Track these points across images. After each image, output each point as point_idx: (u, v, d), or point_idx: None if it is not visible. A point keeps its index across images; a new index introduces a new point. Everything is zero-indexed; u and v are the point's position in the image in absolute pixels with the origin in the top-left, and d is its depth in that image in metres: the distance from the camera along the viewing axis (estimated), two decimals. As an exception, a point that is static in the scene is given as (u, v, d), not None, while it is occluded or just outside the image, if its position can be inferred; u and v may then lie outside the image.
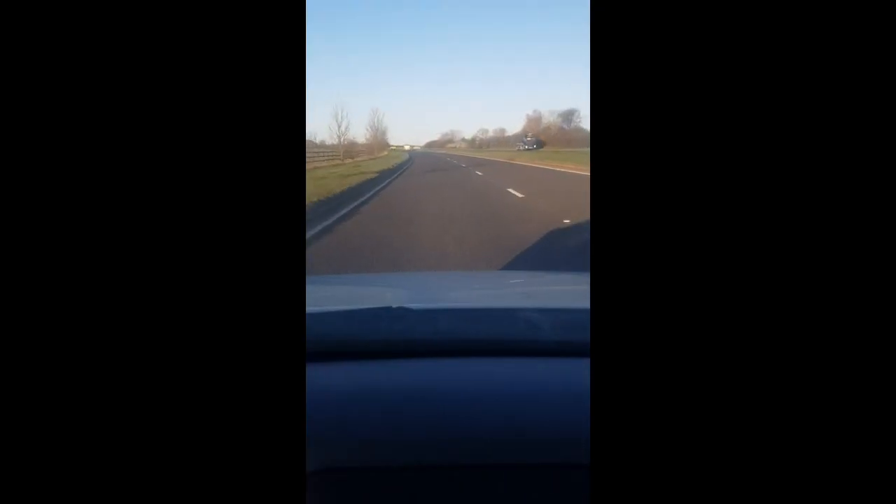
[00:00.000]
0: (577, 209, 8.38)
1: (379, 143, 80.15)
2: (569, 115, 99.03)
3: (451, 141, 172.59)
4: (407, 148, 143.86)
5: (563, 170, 22.47)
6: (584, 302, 1.15)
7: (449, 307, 1.09)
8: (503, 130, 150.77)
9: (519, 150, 71.65)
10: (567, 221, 7.39)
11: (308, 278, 0.77)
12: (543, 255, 5.47)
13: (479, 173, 21.68)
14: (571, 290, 1.48)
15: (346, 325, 0.86)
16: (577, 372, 0.70)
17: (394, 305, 0.89)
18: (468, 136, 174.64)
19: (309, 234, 6.55)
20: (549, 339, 0.83)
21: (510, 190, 12.92)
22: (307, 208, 8.35)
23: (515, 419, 0.64)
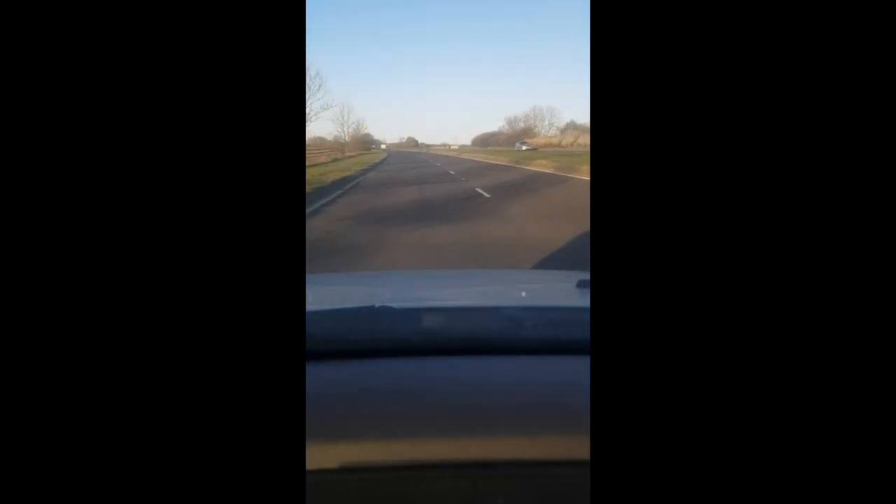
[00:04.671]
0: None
1: (355, 142, 67.66)
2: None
3: (531, 132, 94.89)
4: (384, 147, 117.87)
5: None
6: (570, 300, 1.20)
7: (432, 306, 1.11)
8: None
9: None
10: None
11: None
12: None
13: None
14: (556, 288, 1.52)
15: (330, 324, 0.88)
16: (566, 368, 0.73)
17: (377, 305, 0.91)
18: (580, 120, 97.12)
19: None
20: (533, 336, 0.85)
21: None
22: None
23: (504, 417, 0.65)
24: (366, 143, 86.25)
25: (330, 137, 70.28)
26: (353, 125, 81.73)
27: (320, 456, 0.60)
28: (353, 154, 54.55)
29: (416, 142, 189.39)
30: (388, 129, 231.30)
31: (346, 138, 67.73)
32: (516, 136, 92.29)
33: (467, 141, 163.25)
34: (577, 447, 0.55)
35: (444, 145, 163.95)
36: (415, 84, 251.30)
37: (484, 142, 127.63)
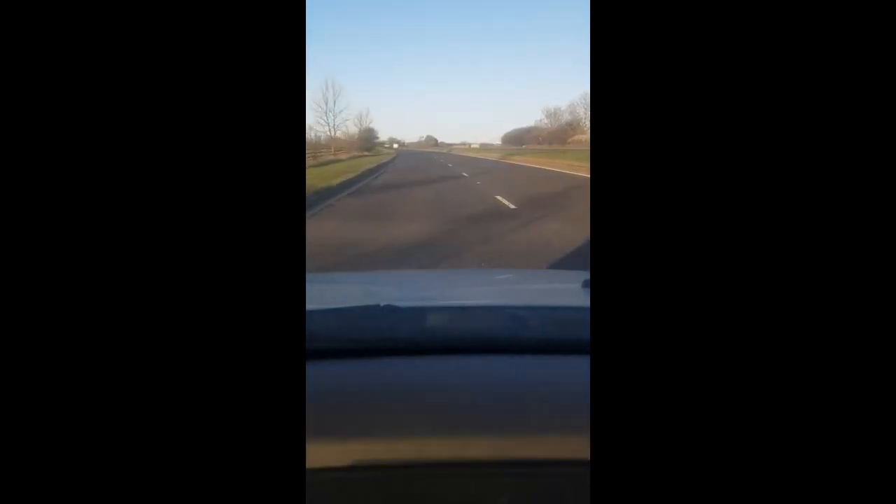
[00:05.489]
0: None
1: (350, 139, 54.55)
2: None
3: (578, 126, 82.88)
4: (396, 146, 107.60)
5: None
6: (575, 299, 1.22)
7: (436, 305, 1.12)
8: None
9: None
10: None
11: None
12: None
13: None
14: (561, 288, 1.52)
15: (333, 323, 0.88)
16: (571, 368, 0.73)
17: (381, 304, 0.92)
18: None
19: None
20: (536, 336, 0.85)
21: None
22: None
23: (507, 416, 0.65)
24: (368, 140, 64.82)
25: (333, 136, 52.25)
26: (353, 117, 63.13)
27: (325, 454, 0.60)
28: (342, 157, 36.65)
29: (437, 141, 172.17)
30: (407, 128, 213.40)
31: (332, 131, 48.39)
32: (561, 132, 73.21)
33: (496, 139, 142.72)
34: (583, 446, 0.55)
35: (464, 144, 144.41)
36: (433, 80, 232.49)
37: (517, 139, 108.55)
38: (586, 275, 1.28)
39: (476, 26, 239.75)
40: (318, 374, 0.70)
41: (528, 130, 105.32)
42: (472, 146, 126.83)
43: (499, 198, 10.99)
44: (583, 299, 1.15)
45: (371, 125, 70.21)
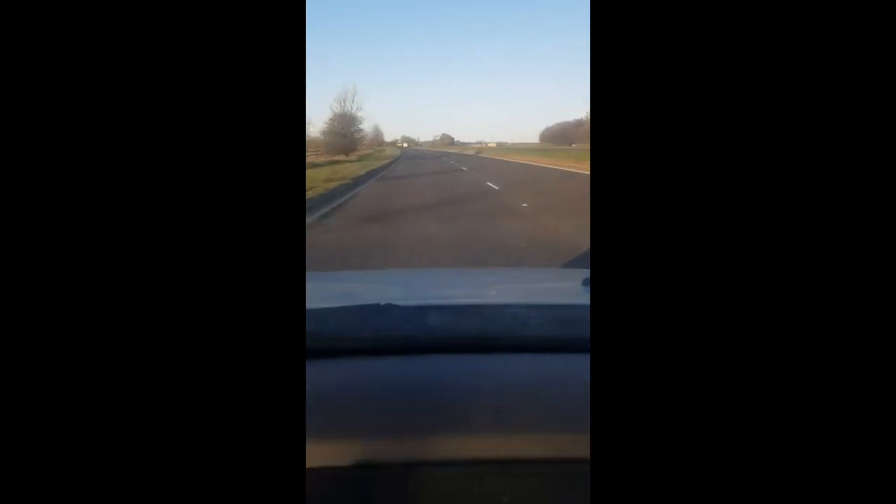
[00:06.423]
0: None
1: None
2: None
3: None
4: (405, 145, 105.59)
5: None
6: (575, 298, 1.24)
7: (437, 304, 1.12)
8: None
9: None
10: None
11: None
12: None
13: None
14: (562, 286, 1.54)
15: (334, 322, 0.89)
16: (572, 366, 0.73)
17: (382, 303, 0.93)
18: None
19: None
20: (536, 334, 0.85)
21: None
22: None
23: (508, 414, 0.66)
24: (348, 136, 43.87)
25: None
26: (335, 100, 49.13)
27: (325, 454, 0.61)
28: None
29: (452, 139, 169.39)
30: (422, 126, 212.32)
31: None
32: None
33: (531, 137, 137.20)
34: (583, 445, 0.55)
35: (480, 143, 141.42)
36: (450, 73, 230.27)
37: (562, 137, 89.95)
38: (586, 273, 1.28)
39: (512, 14, 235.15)
40: (318, 374, 0.70)
41: (578, 125, 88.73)
42: (489, 145, 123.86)
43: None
44: (583, 297, 1.16)
45: (359, 112, 47.40)
